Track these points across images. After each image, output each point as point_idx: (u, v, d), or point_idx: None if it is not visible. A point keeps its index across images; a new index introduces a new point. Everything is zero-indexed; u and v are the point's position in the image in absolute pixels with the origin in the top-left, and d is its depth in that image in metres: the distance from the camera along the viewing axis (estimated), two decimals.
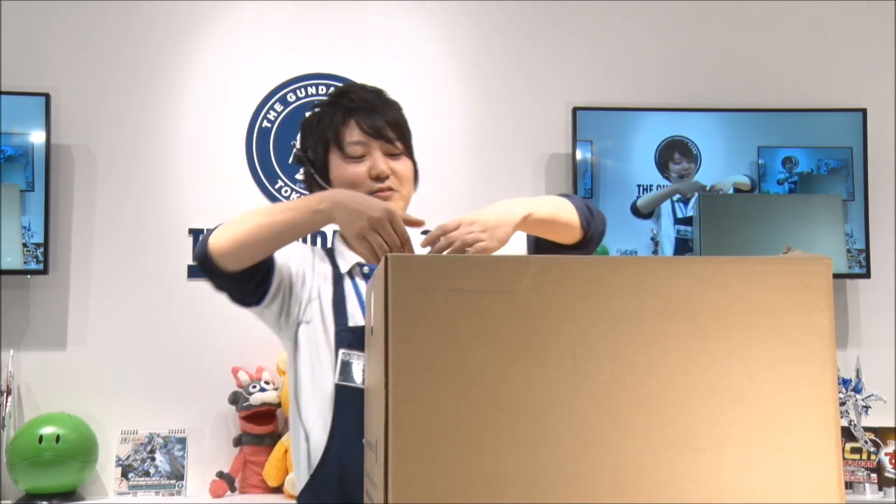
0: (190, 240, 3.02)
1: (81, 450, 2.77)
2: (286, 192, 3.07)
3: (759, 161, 3.08)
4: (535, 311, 0.81)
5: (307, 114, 1.62)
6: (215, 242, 1.44)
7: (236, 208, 3.02)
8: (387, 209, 1.34)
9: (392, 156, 1.55)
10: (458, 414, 0.80)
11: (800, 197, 3.03)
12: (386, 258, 0.83)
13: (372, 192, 1.50)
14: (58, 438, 2.72)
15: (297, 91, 3.11)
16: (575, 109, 3.09)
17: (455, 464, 0.79)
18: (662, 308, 0.82)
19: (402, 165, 1.57)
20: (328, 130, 1.54)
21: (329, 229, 3.07)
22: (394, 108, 1.59)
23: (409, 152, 1.60)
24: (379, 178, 1.53)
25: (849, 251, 3.01)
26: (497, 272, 0.82)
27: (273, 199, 3.07)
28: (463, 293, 0.81)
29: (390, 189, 1.54)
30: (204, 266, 1.45)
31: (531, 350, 0.80)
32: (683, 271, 0.84)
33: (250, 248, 1.43)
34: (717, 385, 0.82)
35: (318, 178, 1.55)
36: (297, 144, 1.65)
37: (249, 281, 1.47)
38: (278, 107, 3.10)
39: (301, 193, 3.08)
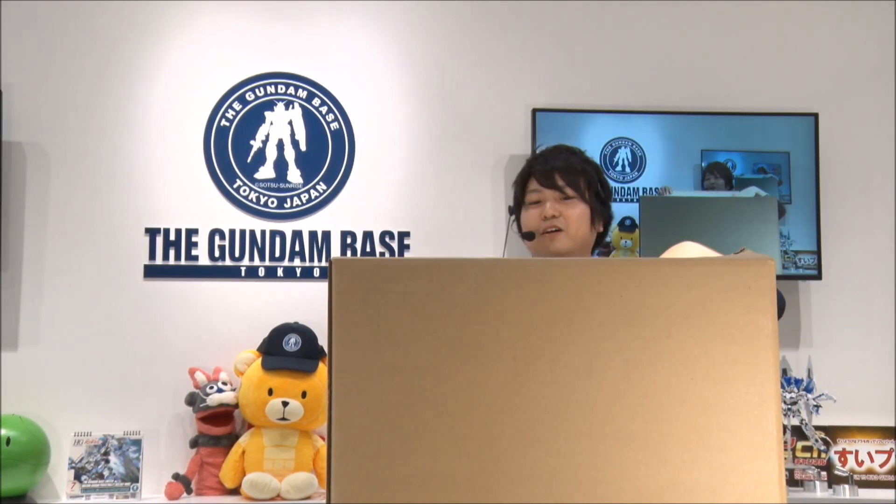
0: (146, 239, 2.99)
1: (33, 452, 2.72)
2: (244, 191, 3.05)
3: (702, 164, 3.13)
4: (475, 312, 0.82)
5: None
6: None
7: (193, 207, 3.02)
8: None
9: (564, 201, 1.86)
10: (399, 414, 0.80)
11: (736, 199, 3.09)
12: (330, 262, 0.83)
13: (541, 231, 1.84)
14: (8, 441, 2.67)
15: (256, 90, 3.09)
16: (535, 111, 3.10)
17: (396, 463, 0.79)
18: (603, 309, 0.83)
19: (572, 209, 1.86)
20: (517, 186, 1.96)
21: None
22: (573, 163, 1.89)
23: (583, 198, 1.87)
24: (547, 219, 1.85)
25: (785, 252, 3.07)
26: (438, 274, 0.82)
27: (231, 198, 3.05)
28: (404, 295, 0.81)
29: (557, 229, 1.84)
30: None
31: (472, 351, 0.81)
32: (624, 272, 0.85)
33: None
34: (657, 385, 0.83)
35: (517, 225, 1.96)
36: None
37: None
38: (237, 106, 3.08)
39: (259, 193, 3.07)
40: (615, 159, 3.11)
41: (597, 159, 3.09)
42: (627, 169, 3.11)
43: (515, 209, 1.97)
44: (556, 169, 1.87)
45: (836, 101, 3.24)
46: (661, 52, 3.23)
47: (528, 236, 1.87)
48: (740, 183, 3.12)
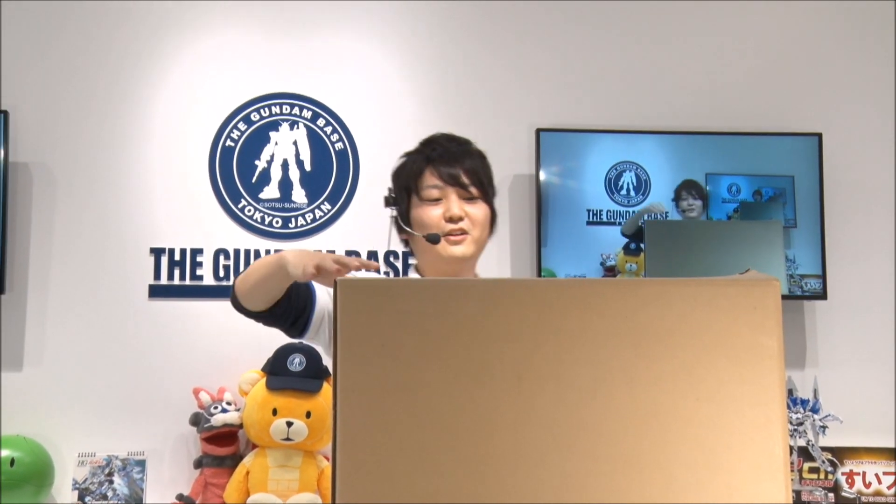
0: (151, 259, 3.00)
1: (37, 473, 2.72)
2: (249, 211, 3.06)
3: (707, 188, 3.12)
4: (480, 332, 0.82)
5: (399, 160, 1.80)
6: (237, 285, 1.62)
7: (198, 227, 3.03)
8: (328, 254, 1.49)
9: (467, 200, 1.68)
10: (403, 434, 0.80)
11: (741, 223, 3.09)
12: (336, 282, 0.83)
13: (445, 233, 1.66)
14: (12, 462, 2.67)
15: (261, 110, 3.11)
16: (538, 131, 3.11)
17: (401, 483, 0.79)
18: (607, 329, 0.83)
19: (477, 210, 1.69)
20: (410, 176, 1.72)
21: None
22: (473, 156, 1.73)
23: (485, 198, 1.71)
24: (452, 220, 1.66)
25: (791, 276, 3.06)
26: (443, 294, 0.82)
27: (236, 218, 3.05)
28: (409, 315, 0.81)
29: (463, 231, 1.67)
30: (236, 307, 1.64)
31: (476, 370, 0.81)
32: (628, 293, 0.85)
33: (252, 294, 1.59)
34: (662, 405, 0.83)
35: (400, 220, 1.74)
36: (390, 188, 1.82)
37: (282, 318, 1.61)
38: (242, 126, 3.10)
39: (264, 213, 3.07)
40: (620, 183, 3.11)
41: (601, 182, 3.10)
42: (632, 192, 3.11)
43: (401, 202, 1.73)
44: (458, 162, 1.69)
45: (839, 120, 3.24)
46: (665, 73, 3.25)
47: (433, 239, 1.65)
48: (744, 207, 3.11)
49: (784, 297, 2.87)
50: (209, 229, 3.04)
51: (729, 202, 3.12)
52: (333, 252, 2.79)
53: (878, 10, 3.31)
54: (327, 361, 1.80)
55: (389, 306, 0.81)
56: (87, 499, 2.75)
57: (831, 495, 2.90)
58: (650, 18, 3.26)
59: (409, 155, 1.76)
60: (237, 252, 3.03)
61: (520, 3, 3.22)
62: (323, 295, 1.65)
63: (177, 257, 3.01)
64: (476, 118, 3.16)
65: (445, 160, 1.69)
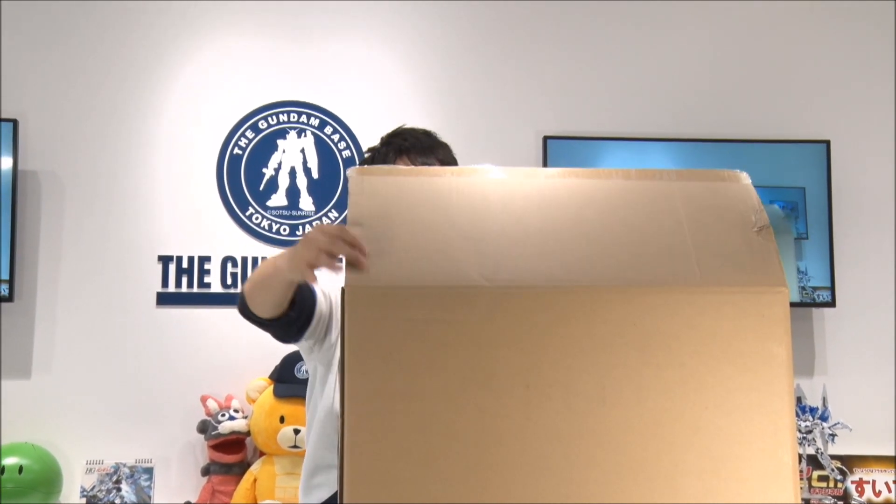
0: (159, 266, 3.00)
1: (45, 481, 2.72)
2: (257, 219, 3.07)
3: None
4: (487, 339, 0.81)
5: (365, 153, 1.74)
6: (246, 290, 1.54)
7: (206, 235, 3.04)
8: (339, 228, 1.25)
9: None
10: (410, 441, 0.80)
11: None
12: (343, 290, 0.83)
13: None
14: (21, 469, 2.67)
15: (269, 118, 3.12)
16: (546, 138, 3.11)
17: (407, 489, 0.79)
18: (616, 337, 0.83)
19: None
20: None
21: None
22: (444, 147, 1.69)
23: None
24: None
25: (803, 288, 3.05)
26: (450, 301, 0.82)
27: (244, 226, 3.06)
28: (416, 323, 0.81)
29: None
30: (245, 316, 1.56)
31: (483, 378, 0.81)
32: (636, 300, 0.84)
33: (257, 298, 1.51)
34: (670, 413, 0.83)
35: None
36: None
37: (291, 326, 1.57)
38: (249, 134, 3.10)
39: (272, 221, 3.08)
40: None
41: None
42: None
43: None
44: (432, 152, 1.67)
45: (846, 127, 3.23)
46: (671, 80, 3.24)
47: None
48: None
49: (792, 305, 2.85)
50: (217, 237, 3.05)
51: None
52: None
53: (885, 16, 3.30)
54: (307, 361, 1.75)
55: (397, 314, 0.81)
56: None
57: None
58: (658, 25, 3.26)
59: (375, 149, 1.71)
60: (245, 260, 3.04)
61: (528, 10, 3.22)
62: (320, 296, 1.62)
63: (184, 265, 3.01)
64: (483, 125, 3.17)
65: (419, 150, 1.65)
